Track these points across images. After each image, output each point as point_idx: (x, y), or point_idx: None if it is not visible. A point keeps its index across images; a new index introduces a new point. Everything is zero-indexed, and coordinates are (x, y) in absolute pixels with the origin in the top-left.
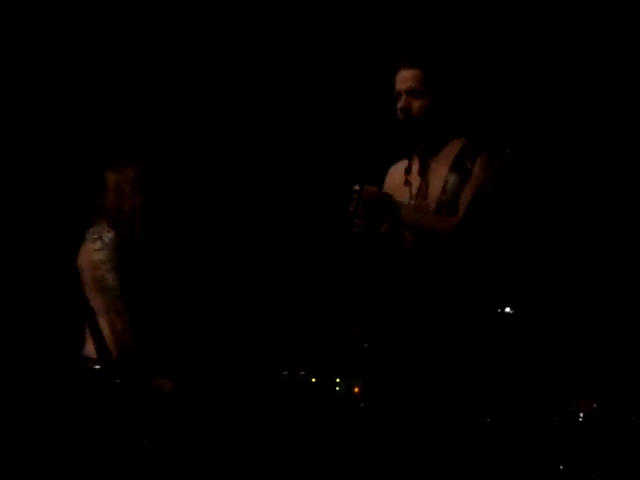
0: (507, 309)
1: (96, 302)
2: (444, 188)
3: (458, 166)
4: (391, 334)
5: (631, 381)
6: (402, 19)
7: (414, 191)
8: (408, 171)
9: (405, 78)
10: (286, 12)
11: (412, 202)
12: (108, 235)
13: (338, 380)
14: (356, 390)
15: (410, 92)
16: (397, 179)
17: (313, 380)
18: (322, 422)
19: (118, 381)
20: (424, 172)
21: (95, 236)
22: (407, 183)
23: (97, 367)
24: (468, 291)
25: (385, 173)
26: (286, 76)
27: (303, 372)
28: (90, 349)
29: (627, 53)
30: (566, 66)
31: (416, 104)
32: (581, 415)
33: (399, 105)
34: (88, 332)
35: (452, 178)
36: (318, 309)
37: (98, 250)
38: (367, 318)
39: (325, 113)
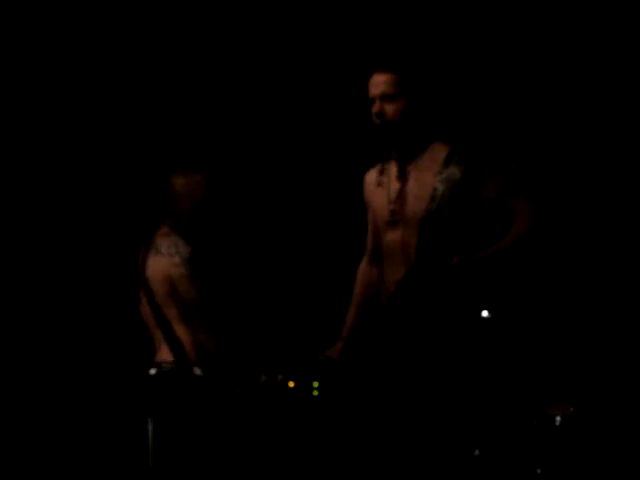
0: (484, 313)
1: (171, 311)
2: (433, 197)
3: (446, 174)
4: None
5: (608, 384)
6: (375, 23)
7: (392, 195)
8: (382, 172)
9: (378, 83)
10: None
11: (391, 206)
12: (186, 249)
13: (316, 385)
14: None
15: (383, 97)
16: (374, 182)
17: (291, 384)
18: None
19: (199, 374)
20: (404, 177)
21: (172, 250)
22: (380, 184)
23: (171, 369)
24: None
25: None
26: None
27: (281, 376)
28: (165, 355)
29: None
30: (548, 68)
31: (390, 108)
32: (558, 419)
33: (373, 110)
34: (161, 339)
35: (441, 187)
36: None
37: (178, 265)
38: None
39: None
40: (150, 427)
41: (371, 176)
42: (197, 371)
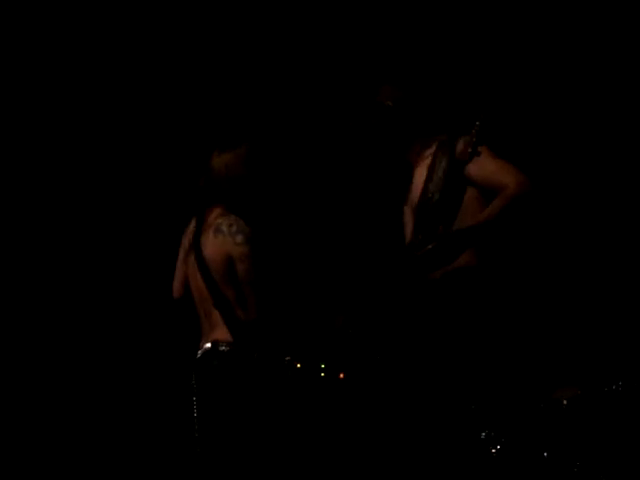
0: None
1: (230, 291)
2: (426, 184)
3: (438, 159)
4: (380, 326)
5: (614, 368)
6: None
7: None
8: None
9: None
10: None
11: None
12: (247, 228)
13: (323, 366)
14: (341, 376)
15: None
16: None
17: (298, 365)
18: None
19: (255, 355)
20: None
21: (234, 229)
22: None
23: (234, 349)
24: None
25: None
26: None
27: (289, 357)
28: (222, 335)
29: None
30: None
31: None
32: (565, 402)
33: None
34: (218, 318)
35: (435, 173)
36: (306, 297)
37: (241, 244)
38: (354, 308)
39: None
40: (196, 407)
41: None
42: (255, 353)
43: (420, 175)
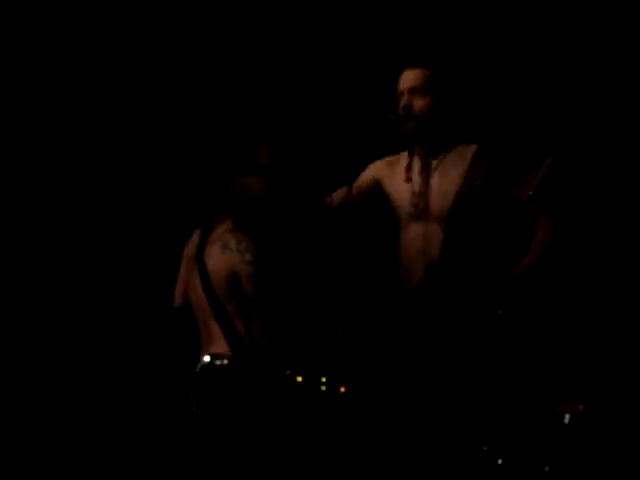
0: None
1: (232, 306)
2: (458, 194)
3: (472, 173)
4: (379, 336)
5: (617, 382)
6: (406, 20)
7: (416, 189)
8: (409, 168)
9: (408, 77)
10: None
11: (414, 200)
12: (253, 246)
13: (324, 379)
14: (342, 390)
15: (412, 90)
16: (397, 175)
17: (299, 379)
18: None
19: (253, 368)
20: (427, 173)
21: (243, 247)
22: (409, 180)
23: (231, 363)
24: (463, 292)
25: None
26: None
27: (289, 371)
28: (221, 347)
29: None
30: (572, 70)
31: (417, 103)
32: (567, 417)
33: (401, 104)
34: (217, 331)
35: (467, 185)
36: (306, 309)
37: (249, 263)
38: (353, 320)
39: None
40: (195, 418)
41: (391, 168)
42: (252, 366)
43: (450, 177)
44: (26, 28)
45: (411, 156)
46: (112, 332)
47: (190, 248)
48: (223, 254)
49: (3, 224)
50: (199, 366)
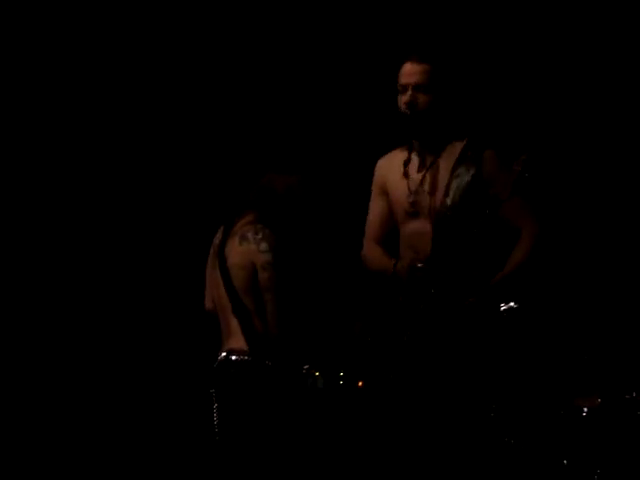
0: (511, 304)
1: (250, 300)
2: (446, 192)
3: (459, 171)
4: (395, 331)
5: (634, 376)
6: (409, 15)
7: (413, 186)
8: (406, 164)
9: (412, 72)
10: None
11: (411, 198)
12: (272, 237)
13: (342, 374)
14: (360, 384)
15: (417, 87)
16: (396, 172)
17: (317, 374)
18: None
19: (269, 364)
20: (425, 168)
21: (259, 236)
22: (406, 175)
23: (249, 359)
24: (474, 289)
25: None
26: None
27: (307, 366)
28: (239, 343)
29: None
30: (573, 66)
31: (422, 99)
32: (585, 410)
33: (405, 99)
34: (236, 326)
35: (454, 184)
36: (322, 303)
37: (265, 252)
38: (371, 314)
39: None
40: (216, 416)
41: (391, 164)
42: (268, 362)
43: (440, 174)
44: (26, 28)
45: (410, 151)
46: (136, 329)
47: (213, 244)
48: (241, 246)
49: (10, 224)
50: (217, 362)
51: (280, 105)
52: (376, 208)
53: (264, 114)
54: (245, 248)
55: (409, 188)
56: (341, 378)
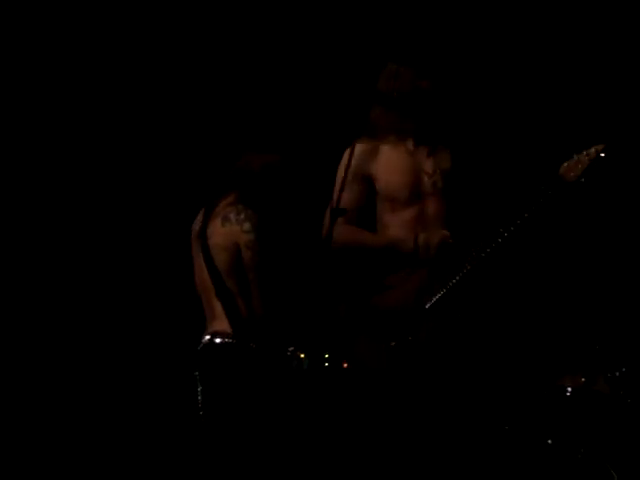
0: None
1: (233, 282)
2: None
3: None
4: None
5: (617, 356)
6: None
7: (429, 170)
8: (413, 151)
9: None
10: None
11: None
12: (254, 217)
13: (327, 356)
14: (344, 365)
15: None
16: (393, 157)
17: (302, 356)
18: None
19: (254, 346)
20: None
21: (242, 217)
22: (417, 159)
23: (233, 341)
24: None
25: None
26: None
27: (292, 348)
28: (223, 325)
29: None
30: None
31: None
32: (569, 390)
33: (426, 102)
34: (219, 309)
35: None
36: (306, 284)
37: (248, 231)
38: (355, 298)
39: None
40: (200, 399)
41: (379, 151)
42: (252, 343)
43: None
44: (24, 28)
45: (421, 140)
46: (120, 314)
47: (195, 226)
48: (224, 227)
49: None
50: (201, 345)
51: (256, 87)
52: (353, 192)
53: (240, 96)
54: (228, 229)
55: (424, 170)
56: (326, 360)
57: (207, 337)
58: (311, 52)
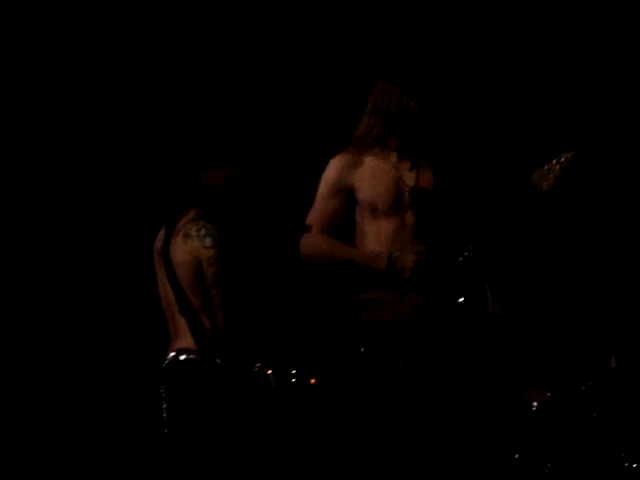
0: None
1: (197, 298)
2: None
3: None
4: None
5: (584, 370)
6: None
7: (409, 182)
8: (398, 163)
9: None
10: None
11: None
12: (215, 232)
13: (294, 372)
14: (312, 382)
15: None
16: (375, 169)
17: (269, 372)
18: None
19: (218, 361)
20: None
21: (203, 232)
22: (399, 172)
23: (197, 358)
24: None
25: None
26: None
27: (259, 364)
28: (187, 342)
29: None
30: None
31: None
32: (535, 405)
33: (418, 124)
34: (184, 325)
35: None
36: (271, 299)
37: (209, 247)
38: (322, 312)
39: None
40: (165, 415)
41: (360, 163)
42: (217, 360)
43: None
44: (23, 27)
45: (393, 151)
46: (86, 331)
47: (157, 243)
48: (185, 244)
49: None
50: (166, 362)
51: (211, 103)
52: (332, 204)
53: (195, 113)
54: (189, 246)
55: (404, 183)
56: (293, 376)
57: (172, 354)
58: (282, 64)
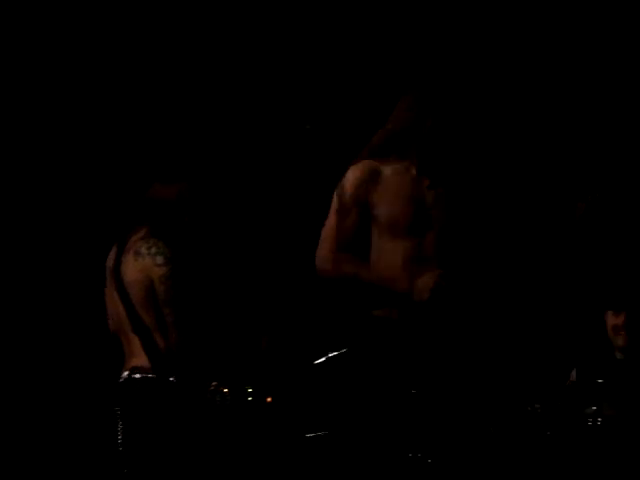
0: None
1: (149, 316)
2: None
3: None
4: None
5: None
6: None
7: (430, 200)
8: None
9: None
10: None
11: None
12: (167, 250)
13: (250, 390)
14: (268, 400)
15: None
16: (397, 185)
17: (225, 391)
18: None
19: (172, 379)
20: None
21: (153, 251)
22: (420, 191)
23: (152, 376)
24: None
25: None
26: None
27: (215, 382)
28: (141, 360)
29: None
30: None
31: None
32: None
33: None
34: (137, 344)
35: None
36: (226, 316)
37: (161, 265)
38: (278, 329)
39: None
40: (121, 435)
41: (380, 178)
42: (172, 378)
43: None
44: (22, 27)
45: (425, 172)
46: (38, 349)
47: (108, 262)
48: (136, 262)
49: None
50: (120, 381)
51: (160, 117)
52: (350, 219)
53: (147, 127)
54: (140, 264)
55: (426, 202)
56: (249, 394)
57: (126, 373)
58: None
